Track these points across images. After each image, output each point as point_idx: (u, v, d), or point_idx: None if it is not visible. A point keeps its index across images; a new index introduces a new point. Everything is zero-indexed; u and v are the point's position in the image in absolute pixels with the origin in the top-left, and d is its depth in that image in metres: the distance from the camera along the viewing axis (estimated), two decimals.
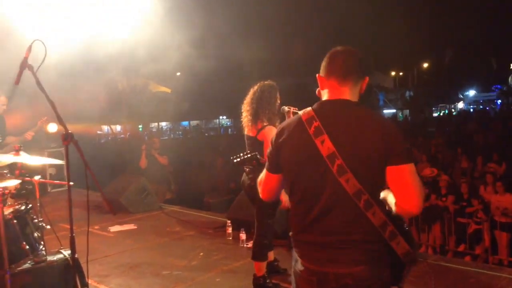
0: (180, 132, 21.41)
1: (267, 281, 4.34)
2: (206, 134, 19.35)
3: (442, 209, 8.30)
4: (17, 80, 3.00)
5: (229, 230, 5.99)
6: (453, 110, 40.40)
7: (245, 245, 5.60)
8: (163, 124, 21.70)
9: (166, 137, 18.22)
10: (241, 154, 3.60)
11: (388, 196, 2.05)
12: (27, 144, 5.85)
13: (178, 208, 8.01)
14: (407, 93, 40.87)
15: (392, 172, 1.93)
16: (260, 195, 2.27)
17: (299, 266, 2.06)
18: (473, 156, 10.77)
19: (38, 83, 2.95)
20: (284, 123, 2.13)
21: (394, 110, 38.77)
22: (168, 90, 17.89)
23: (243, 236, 5.64)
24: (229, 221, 6.08)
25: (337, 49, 2.11)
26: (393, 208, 2.00)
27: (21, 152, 3.32)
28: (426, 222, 8.48)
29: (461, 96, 45.34)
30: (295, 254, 2.11)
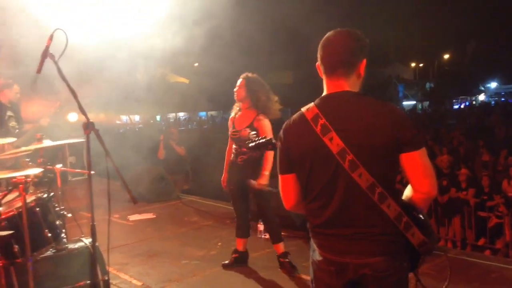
0: (195, 123, 21.46)
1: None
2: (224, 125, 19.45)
3: (462, 203, 8.18)
4: (39, 69, 3.02)
5: None
6: (474, 103, 39.72)
7: (262, 236, 5.60)
8: (181, 114, 21.80)
9: (184, 128, 18.29)
10: (256, 139, 3.60)
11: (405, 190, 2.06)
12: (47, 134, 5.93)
13: (196, 198, 8.05)
14: (427, 85, 40.30)
15: (405, 159, 1.93)
16: (285, 206, 2.19)
17: (317, 256, 2.06)
18: (494, 149, 10.57)
19: (60, 72, 2.97)
20: (289, 122, 2.10)
21: (413, 102, 38.29)
22: (186, 81, 17.94)
23: (260, 227, 5.63)
24: None
25: (327, 35, 2.06)
26: (409, 197, 2.02)
27: (44, 140, 3.36)
28: (446, 215, 8.38)
29: (482, 88, 44.53)
30: (313, 244, 2.11)
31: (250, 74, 4.60)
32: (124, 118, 20.57)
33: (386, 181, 1.93)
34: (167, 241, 5.76)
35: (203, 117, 22.57)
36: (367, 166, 1.90)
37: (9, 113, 6.03)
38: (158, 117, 17.34)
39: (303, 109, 2.04)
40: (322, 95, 2.07)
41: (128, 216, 6.75)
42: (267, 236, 5.53)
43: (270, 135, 4.19)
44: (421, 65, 44.60)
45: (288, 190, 2.13)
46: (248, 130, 4.39)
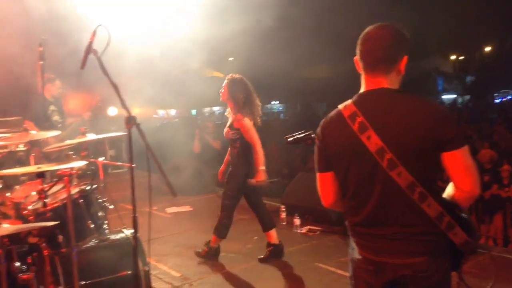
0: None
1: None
2: (258, 119, 19.43)
3: (504, 200, 7.92)
4: (83, 65, 3.09)
5: (283, 215, 5.99)
6: None
7: (299, 230, 5.60)
8: (216, 108, 21.92)
9: (219, 122, 18.39)
10: (295, 133, 3.59)
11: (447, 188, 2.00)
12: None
13: None
14: (468, 78, 39.05)
15: (447, 158, 1.87)
16: (323, 204, 2.18)
17: (356, 255, 2.05)
18: None
19: (102, 67, 3.04)
20: (326, 120, 2.07)
21: (454, 96, 37.21)
22: (221, 75, 18.05)
23: (297, 221, 5.64)
24: (283, 206, 6.08)
25: (368, 30, 2.00)
26: (451, 195, 1.96)
27: (88, 134, 3.45)
28: (487, 212, 8.13)
29: None
30: (352, 243, 2.09)
31: (235, 76, 4.75)
32: (161, 112, 20.88)
33: (427, 180, 1.89)
34: (204, 234, 5.80)
35: None
36: (406, 165, 1.86)
37: (52, 107, 6.24)
38: (193, 111, 17.47)
39: (340, 106, 2.01)
40: (360, 91, 2.03)
41: (166, 209, 6.87)
42: (304, 230, 5.54)
43: (250, 134, 4.51)
44: (461, 57, 43.21)
45: (326, 188, 2.11)
46: (229, 130, 4.71)
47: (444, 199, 1.98)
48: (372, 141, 1.88)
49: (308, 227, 5.64)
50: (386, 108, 1.91)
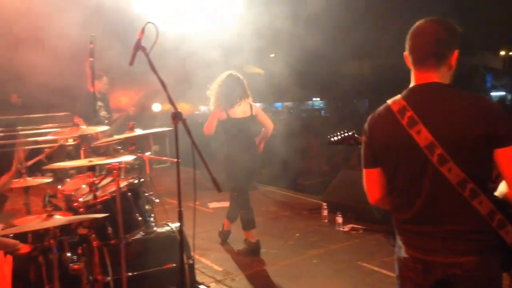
0: (271, 113, 21.59)
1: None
2: (299, 116, 19.37)
3: None
4: (132, 61, 3.16)
5: (325, 212, 5.95)
6: None
7: (341, 229, 5.53)
8: (257, 105, 22.03)
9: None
10: (339, 133, 3.56)
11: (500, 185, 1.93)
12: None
13: (273, 188, 8.12)
14: None
15: (500, 154, 1.80)
16: (369, 200, 2.14)
17: (403, 253, 2.01)
18: None
19: (151, 64, 3.10)
20: (374, 115, 2.04)
21: (503, 93, 35.81)
22: (261, 72, 18.06)
23: (339, 219, 5.57)
24: (324, 204, 6.03)
25: (418, 25, 1.96)
26: (503, 193, 1.89)
27: (136, 129, 3.53)
28: None
29: None
30: (398, 241, 2.05)
31: (233, 73, 5.00)
32: (203, 108, 21.14)
33: (478, 177, 1.83)
34: None
35: (279, 108, 22.68)
36: (457, 160, 1.81)
37: (99, 103, 6.42)
38: None
39: (389, 101, 1.98)
40: (410, 86, 1.99)
41: (208, 204, 6.95)
42: (346, 229, 5.48)
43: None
44: (511, 53, 41.47)
45: (372, 184, 2.08)
46: None
47: (495, 197, 1.92)
48: (422, 136, 1.84)
49: (351, 225, 5.57)
50: (437, 103, 1.87)
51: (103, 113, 6.27)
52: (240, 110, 4.89)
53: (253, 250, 4.92)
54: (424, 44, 1.93)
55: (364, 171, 2.10)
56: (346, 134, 3.51)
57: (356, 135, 3.48)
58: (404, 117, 1.89)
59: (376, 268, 4.42)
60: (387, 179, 2.03)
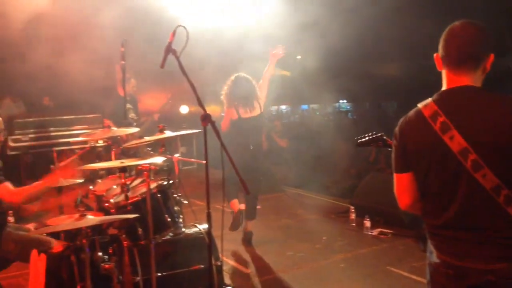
0: (297, 116, 21.49)
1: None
2: (326, 118, 19.17)
3: None
4: (162, 64, 3.20)
5: (353, 216, 5.88)
6: None
7: (369, 233, 5.47)
8: (283, 107, 21.94)
9: (286, 120, 18.41)
10: (368, 135, 3.52)
11: None
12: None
13: (300, 191, 8.09)
14: None
15: None
16: (400, 205, 2.11)
17: (435, 259, 1.97)
18: None
19: (181, 66, 3.13)
20: (405, 119, 2.00)
21: None
22: (288, 73, 18.02)
23: (367, 223, 5.51)
24: (352, 207, 5.97)
25: (453, 27, 1.92)
26: None
27: (165, 131, 3.58)
28: None
29: None
30: (430, 246, 2.02)
31: (241, 74, 5.36)
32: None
33: None
34: (272, 232, 5.86)
35: (305, 110, 22.57)
36: (491, 166, 1.77)
37: (128, 105, 6.53)
38: None
39: (420, 106, 1.94)
40: (441, 90, 1.95)
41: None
42: (374, 233, 5.42)
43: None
44: None
45: (403, 189, 2.04)
46: None
47: None
48: (455, 141, 1.81)
49: (379, 229, 5.50)
50: (470, 107, 1.84)
51: (131, 115, 6.37)
52: (250, 110, 5.22)
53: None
54: (461, 46, 1.89)
55: (395, 175, 2.07)
56: (375, 136, 3.47)
57: (385, 137, 3.44)
58: (436, 122, 1.86)
59: (405, 274, 4.36)
60: (418, 184, 1.99)
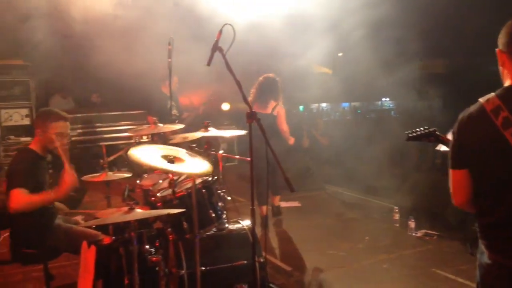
0: (338, 113, 21.23)
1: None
2: (367, 116, 18.86)
3: None
4: (209, 62, 3.23)
5: (396, 216, 5.77)
6: None
7: (414, 234, 5.35)
8: (323, 105, 21.77)
9: (326, 118, 18.28)
10: (419, 129, 3.43)
11: None
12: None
13: (341, 189, 8.01)
14: None
15: None
16: (453, 201, 2.06)
17: (486, 259, 1.91)
18: None
19: (227, 64, 3.16)
20: (465, 114, 1.94)
21: None
22: (329, 71, 17.83)
23: (412, 224, 5.39)
24: (396, 207, 5.85)
25: None
26: None
27: (210, 128, 3.62)
28: None
29: None
30: (481, 246, 1.95)
31: (270, 75, 5.92)
32: None
33: None
34: (313, 230, 5.83)
35: (346, 108, 22.28)
36: None
37: (170, 102, 6.65)
38: (301, 108, 17.53)
39: (482, 100, 1.88)
40: (506, 85, 1.89)
41: (272, 201, 6.97)
42: (419, 234, 5.31)
43: None
44: None
45: (459, 186, 1.99)
46: None
47: None
48: None
49: (424, 230, 5.37)
50: None
51: (174, 111, 6.48)
52: (266, 107, 5.74)
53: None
54: None
55: (451, 171, 2.02)
56: (427, 131, 3.38)
57: (437, 132, 3.34)
58: (498, 117, 1.80)
59: (451, 276, 4.24)
60: (474, 181, 1.94)
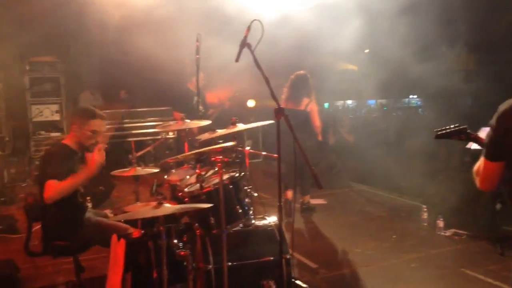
0: (364, 111, 20.97)
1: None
2: (394, 114, 18.61)
3: None
4: (237, 58, 3.24)
5: (424, 215, 5.68)
6: None
7: (442, 233, 5.26)
8: (349, 102, 21.55)
9: (352, 116, 18.11)
10: (449, 127, 3.37)
11: None
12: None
13: (367, 187, 7.93)
14: None
15: None
16: (478, 185, 2.10)
17: None
18: None
19: (256, 60, 3.16)
20: (503, 107, 1.90)
21: None
22: (355, 68, 17.64)
23: (440, 223, 5.30)
24: (424, 206, 5.76)
25: None
26: None
27: (238, 124, 3.63)
28: None
29: None
30: None
31: (301, 72, 6.24)
32: None
33: None
34: (339, 228, 5.79)
35: (373, 105, 22.00)
36: None
37: (196, 98, 6.69)
38: (326, 105, 17.41)
39: None
40: None
41: (301, 200, 6.94)
42: (448, 233, 5.22)
43: None
44: None
45: (491, 176, 2.02)
46: None
47: None
48: None
49: (453, 230, 5.27)
50: None
51: (199, 108, 6.52)
52: (299, 104, 6.00)
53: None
54: None
55: (484, 161, 2.03)
56: (457, 128, 3.31)
57: (469, 130, 3.26)
58: None
59: (481, 276, 4.15)
60: (508, 170, 1.95)
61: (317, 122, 6.06)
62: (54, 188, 3.19)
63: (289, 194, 6.13)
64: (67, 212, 3.37)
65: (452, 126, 3.32)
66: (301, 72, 6.24)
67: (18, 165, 8.54)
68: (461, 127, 3.28)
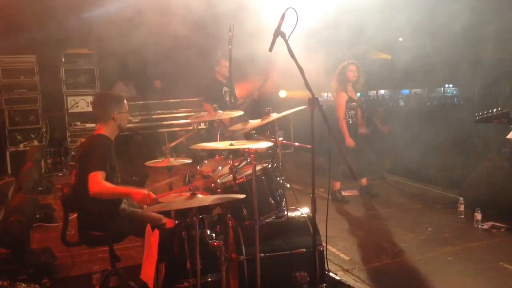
0: (398, 100, 20.58)
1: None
2: (428, 104, 18.18)
3: None
4: (271, 47, 3.20)
5: (461, 207, 5.53)
6: None
7: (480, 226, 5.11)
8: (382, 91, 21.16)
9: (386, 106, 17.79)
10: (489, 111, 3.25)
11: None
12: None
13: (401, 178, 7.78)
14: None
15: None
16: None
17: None
18: None
19: (289, 50, 3.11)
20: None
21: None
22: (388, 57, 17.27)
23: (478, 216, 5.15)
24: (461, 198, 5.61)
25: None
26: None
27: (272, 114, 3.60)
28: None
29: None
30: None
31: (349, 61, 6.49)
32: (325, 95, 20.99)
33: None
34: (373, 220, 5.70)
35: (407, 95, 21.59)
36: None
37: (225, 88, 6.68)
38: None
39: None
40: None
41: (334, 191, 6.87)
42: (486, 226, 5.07)
43: None
44: None
45: None
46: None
47: None
48: None
49: (491, 223, 5.12)
50: None
51: (228, 98, 6.51)
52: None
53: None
54: None
55: None
56: (500, 112, 3.19)
57: (510, 115, 3.13)
58: None
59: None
60: None
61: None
62: (102, 184, 3.22)
63: (337, 185, 6.48)
64: (103, 203, 3.41)
65: (493, 109, 3.21)
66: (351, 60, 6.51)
67: (55, 155, 8.78)
68: (504, 111, 3.16)
